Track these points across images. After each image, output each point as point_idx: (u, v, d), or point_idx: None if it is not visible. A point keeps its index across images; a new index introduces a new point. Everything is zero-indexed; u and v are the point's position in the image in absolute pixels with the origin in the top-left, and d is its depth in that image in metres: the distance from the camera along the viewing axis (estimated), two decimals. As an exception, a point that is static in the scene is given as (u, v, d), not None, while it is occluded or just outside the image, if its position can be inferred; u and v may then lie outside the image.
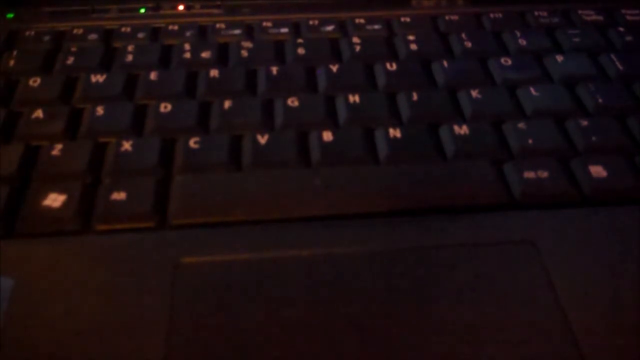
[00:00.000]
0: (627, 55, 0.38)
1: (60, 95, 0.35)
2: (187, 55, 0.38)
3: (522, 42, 0.39)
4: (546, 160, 0.31)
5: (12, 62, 0.37)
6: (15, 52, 0.38)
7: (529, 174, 0.30)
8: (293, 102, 0.34)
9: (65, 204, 0.29)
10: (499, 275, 0.27)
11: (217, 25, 0.40)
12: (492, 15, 0.41)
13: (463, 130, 0.33)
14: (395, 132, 0.32)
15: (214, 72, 0.36)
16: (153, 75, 0.36)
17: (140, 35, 0.39)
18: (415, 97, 0.34)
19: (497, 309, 0.26)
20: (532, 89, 0.35)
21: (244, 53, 0.38)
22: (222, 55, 0.38)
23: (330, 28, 0.40)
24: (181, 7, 0.42)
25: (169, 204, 0.29)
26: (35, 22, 0.41)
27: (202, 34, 0.40)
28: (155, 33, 0.40)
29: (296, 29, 0.40)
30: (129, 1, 0.42)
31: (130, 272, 0.27)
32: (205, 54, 0.38)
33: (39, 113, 0.33)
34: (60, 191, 0.29)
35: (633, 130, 0.33)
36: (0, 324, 0.25)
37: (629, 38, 0.39)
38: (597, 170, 0.31)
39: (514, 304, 0.26)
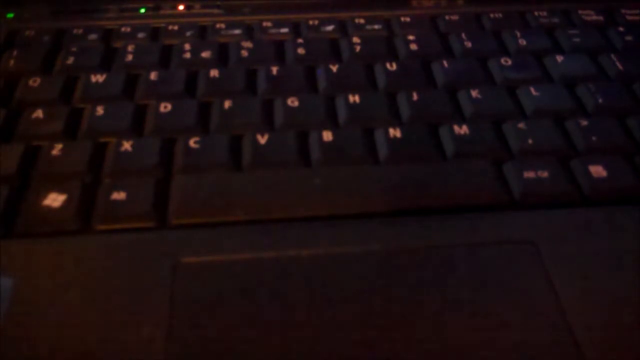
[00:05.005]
0: (627, 55, 0.38)
1: (60, 95, 0.35)
2: (187, 55, 0.38)
3: (522, 42, 0.39)
4: (546, 160, 0.31)
5: (12, 62, 0.37)
6: (15, 52, 0.38)
7: (529, 174, 0.30)
8: (293, 102, 0.34)
9: (65, 204, 0.29)
10: (499, 275, 0.27)
11: (217, 25, 0.40)
12: (492, 15, 0.41)
13: (463, 130, 0.33)
14: (395, 132, 0.32)
15: (214, 72, 0.36)
16: (153, 75, 0.36)
17: (140, 35, 0.39)
18: (415, 97, 0.34)
19: (497, 308, 0.26)
20: (532, 89, 0.35)
21: (244, 53, 0.38)
22: (222, 55, 0.38)
23: (330, 28, 0.40)
24: (181, 7, 0.42)
25: (169, 204, 0.29)
26: (35, 22, 0.41)
27: (202, 34, 0.40)
28: (155, 33, 0.40)
29: (296, 29, 0.40)
30: (129, 1, 0.42)
31: (130, 272, 0.27)
32: (205, 54, 0.38)
33: (39, 113, 0.33)
34: (60, 191, 0.29)
35: (633, 130, 0.33)
36: (0, 324, 0.25)
37: (629, 38, 0.39)
38: (597, 170, 0.31)
39: (513, 304, 0.26)
